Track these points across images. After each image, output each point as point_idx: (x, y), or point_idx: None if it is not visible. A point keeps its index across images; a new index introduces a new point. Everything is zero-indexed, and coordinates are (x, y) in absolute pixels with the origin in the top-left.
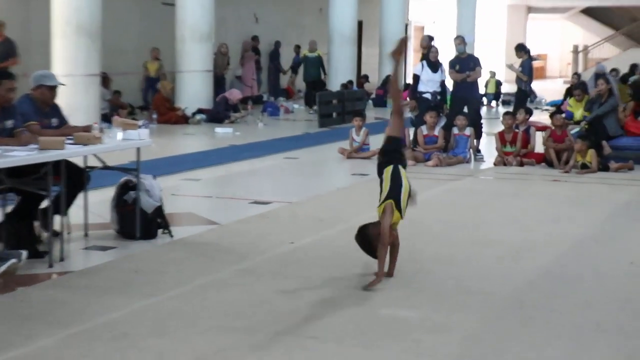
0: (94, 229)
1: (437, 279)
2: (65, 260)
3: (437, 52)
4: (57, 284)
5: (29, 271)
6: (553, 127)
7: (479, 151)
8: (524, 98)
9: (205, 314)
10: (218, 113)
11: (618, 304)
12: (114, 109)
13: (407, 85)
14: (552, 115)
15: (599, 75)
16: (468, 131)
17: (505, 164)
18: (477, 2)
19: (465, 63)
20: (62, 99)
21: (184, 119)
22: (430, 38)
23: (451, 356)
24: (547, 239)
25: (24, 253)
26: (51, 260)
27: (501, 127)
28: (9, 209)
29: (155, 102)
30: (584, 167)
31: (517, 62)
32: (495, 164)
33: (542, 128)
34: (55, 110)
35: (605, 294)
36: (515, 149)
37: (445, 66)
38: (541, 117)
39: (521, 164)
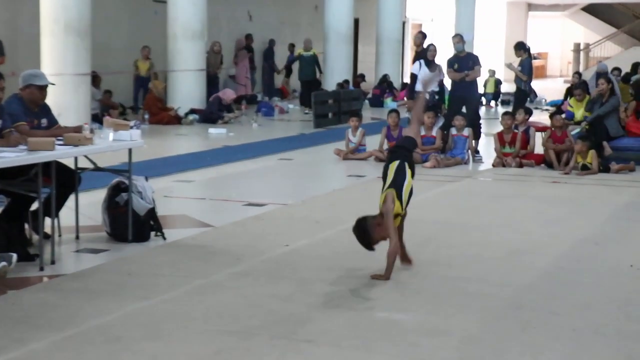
0: (85, 231)
1: (435, 281)
2: (56, 263)
3: (435, 50)
4: (49, 287)
5: (20, 274)
6: (553, 128)
7: (477, 152)
8: (523, 98)
9: (200, 317)
10: (211, 113)
11: (618, 306)
12: (105, 109)
13: (404, 85)
14: (552, 116)
15: (600, 75)
16: (466, 132)
17: (504, 165)
18: None
19: (464, 62)
20: (52, 99)
21: (176, 120)
22: (424, 35)
23: (449, 359)
24: (546, 240)
25: (15, 256)
26: (42, 263)
27: (500, 128)
28: None
29: (147, 102)
30: (585, 168)
31: (516, 61)
32: (494, 165)
33: (542, 129)
34: (45, 111)
35: (605, 296)
36: (515, 149)
37: (444, 65)
38: (541, 117)
39: (520, 165)
